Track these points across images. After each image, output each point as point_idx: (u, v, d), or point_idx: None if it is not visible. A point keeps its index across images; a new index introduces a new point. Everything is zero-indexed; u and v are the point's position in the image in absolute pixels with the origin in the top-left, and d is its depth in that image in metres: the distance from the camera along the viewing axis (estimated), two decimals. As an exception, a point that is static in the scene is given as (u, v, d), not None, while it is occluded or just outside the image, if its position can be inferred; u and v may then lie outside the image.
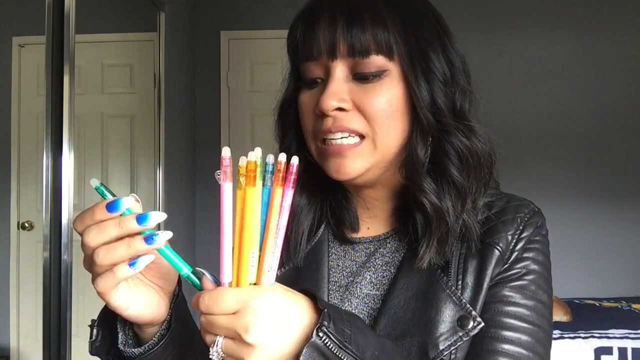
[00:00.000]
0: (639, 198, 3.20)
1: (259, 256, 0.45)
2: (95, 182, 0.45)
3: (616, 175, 3.22)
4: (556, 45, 3.26)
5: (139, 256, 0.45)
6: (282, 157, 0.44)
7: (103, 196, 0.46)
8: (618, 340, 2.20)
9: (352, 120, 0.60)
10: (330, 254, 0.69)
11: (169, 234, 0.45)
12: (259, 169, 0.44)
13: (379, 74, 0.59)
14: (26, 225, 2.61)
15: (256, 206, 0.44)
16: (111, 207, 0.44)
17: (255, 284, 0.46)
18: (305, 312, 0.47)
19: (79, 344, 2.08)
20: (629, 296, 2.98)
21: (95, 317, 0.57)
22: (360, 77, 0.60)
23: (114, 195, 0.46)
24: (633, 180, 3.21)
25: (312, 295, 0.49)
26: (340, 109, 0.60)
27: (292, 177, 0.45)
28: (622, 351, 2.17)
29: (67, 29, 1.92)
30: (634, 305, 2.68)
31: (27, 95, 2.59)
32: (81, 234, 0.46)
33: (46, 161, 1.90)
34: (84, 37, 2.17)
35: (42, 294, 1.89)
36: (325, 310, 0.46)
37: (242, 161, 0.44)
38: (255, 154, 0.43)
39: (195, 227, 3.32)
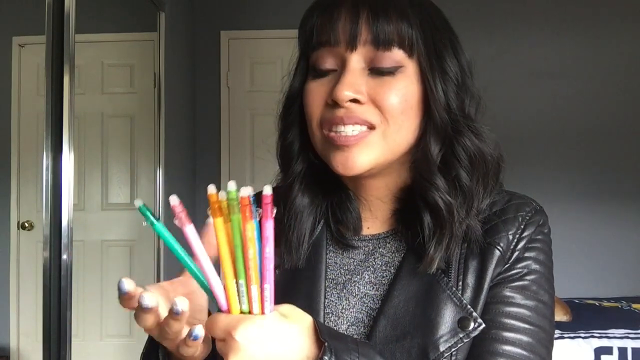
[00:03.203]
0: (639, 198, 3.20)
1: (246, 287, 0.45)
2: (138, 203, 0.44)
3: (616, 175, 3.22)
4: (556, 45, 3.26)
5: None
6: (246, 191, 0.42)
7: (145, 216, 0.44)
8: (618, 340, 2.19)
9: (366, 113, 0.59)
10: (327, 252, 0.68)
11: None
12: (229, 203, 0.43)
13: (394, 70, 0.59)
14: (26, 225, 2.61)
15: (229, 236, 0.44)
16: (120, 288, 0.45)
17: (249, 312, 0.45)
18: (303, 345, 0.46)
19: (79, 344, 2.08)
20: (629, 296, 2.97)
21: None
22: (376, 72, 0.59)
23: (155, 217, 0.45)
24: (633, 180, 3.21)
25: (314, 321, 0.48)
26: (354, 101, 0.59)
27: (269, 207, 0.43)
28: (622, 351, 2.17)
29: (67, 29, 1.92)
30: (634, 305, 2.67)
31: (27, 95, 2.59)
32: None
33: (46, 161, 1.89)
34: (84, 37, 2.17)
35: (42, 294, 1.89)
36: (327, 343, 0.45)
37: (210, 190, 0.44)
38: (229, 188, 0.43)
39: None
